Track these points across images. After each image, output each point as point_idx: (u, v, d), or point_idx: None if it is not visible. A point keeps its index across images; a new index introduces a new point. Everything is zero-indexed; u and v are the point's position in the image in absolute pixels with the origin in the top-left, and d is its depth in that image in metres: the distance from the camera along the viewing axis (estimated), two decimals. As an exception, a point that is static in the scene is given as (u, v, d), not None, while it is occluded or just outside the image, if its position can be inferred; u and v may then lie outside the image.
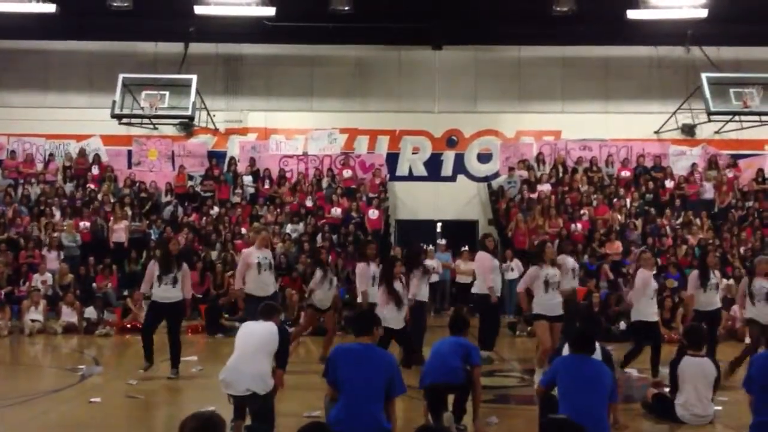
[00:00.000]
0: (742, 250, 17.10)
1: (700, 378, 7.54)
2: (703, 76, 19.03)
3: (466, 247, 17.23)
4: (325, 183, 19.96)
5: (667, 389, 8.04)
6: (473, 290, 11.92)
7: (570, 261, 11.26)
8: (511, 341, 13.87)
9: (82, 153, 20.38)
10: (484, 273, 11.36)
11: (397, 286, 9.81)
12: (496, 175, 20.78)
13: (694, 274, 10.18)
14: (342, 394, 5.57)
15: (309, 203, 19.10)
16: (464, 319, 7.66)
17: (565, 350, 6.87)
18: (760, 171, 19.80)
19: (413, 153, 21.15)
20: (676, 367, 7.64)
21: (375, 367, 5.65)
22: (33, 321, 14.62)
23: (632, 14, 18.65)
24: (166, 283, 9.67)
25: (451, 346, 7.20)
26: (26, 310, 14.80)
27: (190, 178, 20.24)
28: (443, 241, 17.99)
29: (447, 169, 21.12)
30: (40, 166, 20.44)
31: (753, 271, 9.84)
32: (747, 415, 6.42)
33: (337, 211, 18.64)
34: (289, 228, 18.01)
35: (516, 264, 14.48)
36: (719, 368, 7.82)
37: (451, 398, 7.16)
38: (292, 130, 21.21)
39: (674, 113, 20.28)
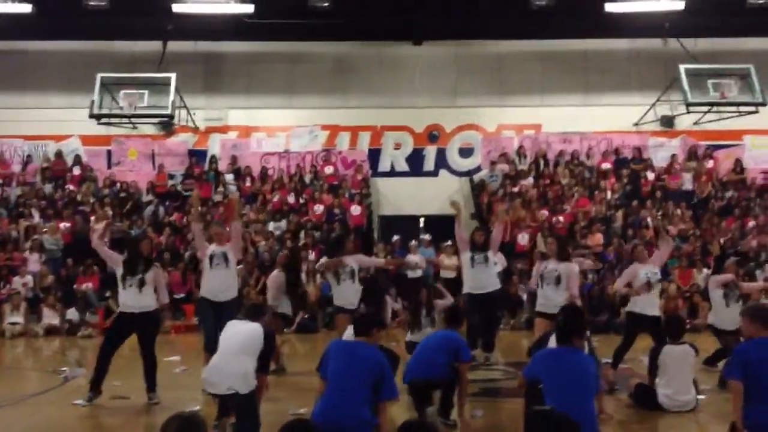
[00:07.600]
0: (722, 240, 17.24)
1: (684, 365, 7.63)
2: (681, 67, 19.16)
3: (449, 242, 17.22)
4: (307, 180, 19.91)
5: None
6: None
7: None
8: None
9: (59, 154, 20.20)
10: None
11: None
12: (478, 169, 20.83)
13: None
14: (327, 387, 5.62)
15: (291, 200, 19.05)
16: (460, 312, 7.56)
17: (552, 342, 6.84)
18: (738, 161, 20.00)
19: (395, 148, 21.17)
20: (657, 356, 7.71)
21: (361, 364, 5.67)
22: (13, 324, 14.51)
23: (610, 7, 18.79)
24: (130, 285, 8.33)
25: (438, 341, 7.18)
26: (5, 314, 14.68)
27: (171, 177, 20.12)
28: (427, 236, 17.98)
29: (429, 164, 21.15)
30: (18, 168, 20.23)
31: None
32: (730, 403, 6.42)
33: (319, 208, 18.60)
34: (271, 226, 17.96)
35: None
36: (697, 351, 7.95)
37: (437, 393, 7.16)
38: (273, 128, 21.14)
39: (653, 105, 20.43)
